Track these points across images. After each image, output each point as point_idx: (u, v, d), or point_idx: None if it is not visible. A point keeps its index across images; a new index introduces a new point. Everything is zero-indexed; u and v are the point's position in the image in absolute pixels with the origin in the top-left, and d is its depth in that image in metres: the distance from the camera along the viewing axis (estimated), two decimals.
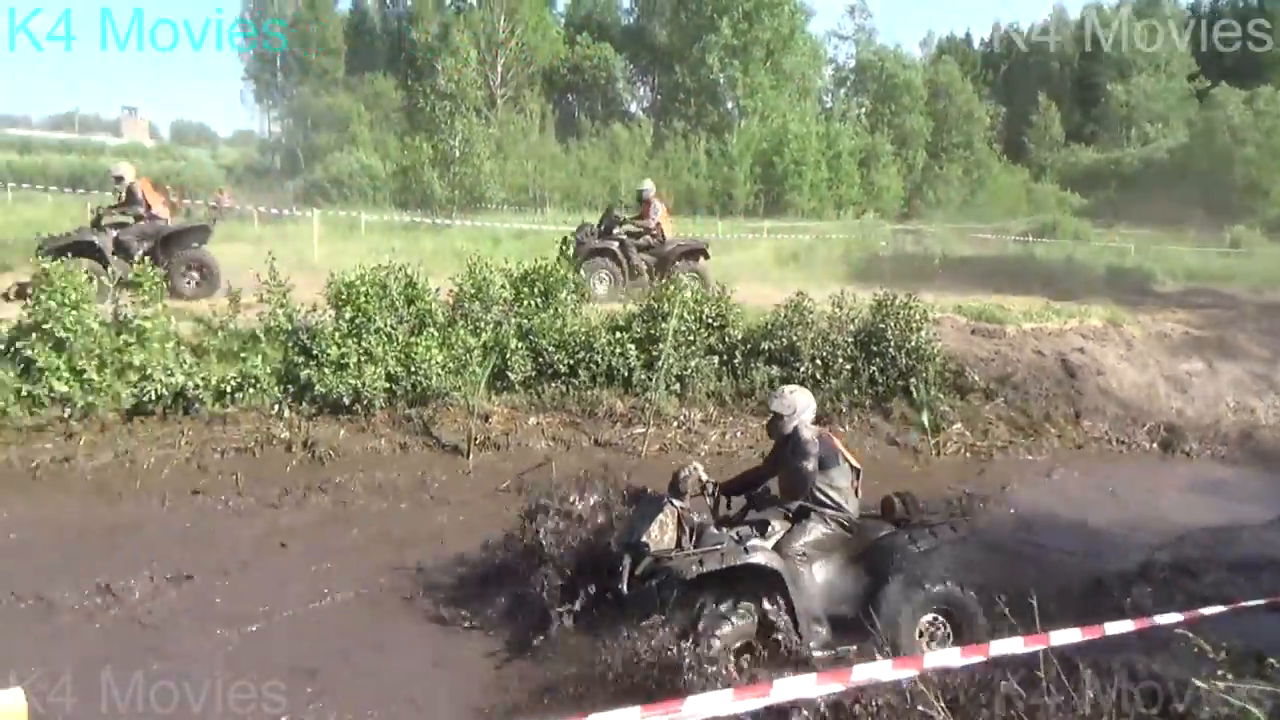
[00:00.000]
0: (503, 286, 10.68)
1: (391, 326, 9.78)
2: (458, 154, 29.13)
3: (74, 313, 8.70)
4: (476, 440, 9.29)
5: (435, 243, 18.85)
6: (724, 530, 5.37)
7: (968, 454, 10.45)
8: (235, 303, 9.85)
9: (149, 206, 11.84)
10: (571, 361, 10.25)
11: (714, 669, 4.43)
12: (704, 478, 5.61)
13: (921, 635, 5.32)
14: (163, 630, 5.72)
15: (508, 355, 10.03)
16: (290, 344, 9.57)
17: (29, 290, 9.18)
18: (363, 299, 9.68)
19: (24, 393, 8.54)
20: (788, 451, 5.57)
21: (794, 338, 10.71)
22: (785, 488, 5.65)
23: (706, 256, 14.13)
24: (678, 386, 10.39)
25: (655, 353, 10.24)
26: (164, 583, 6.29)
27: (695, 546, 5.18)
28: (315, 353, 9.39)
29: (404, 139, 33.45)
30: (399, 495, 8.28)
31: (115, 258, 11.34)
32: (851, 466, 5.62)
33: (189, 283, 11.87)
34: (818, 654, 4.93)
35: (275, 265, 9.80)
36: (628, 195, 24.87)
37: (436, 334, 9.91)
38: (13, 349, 8.61)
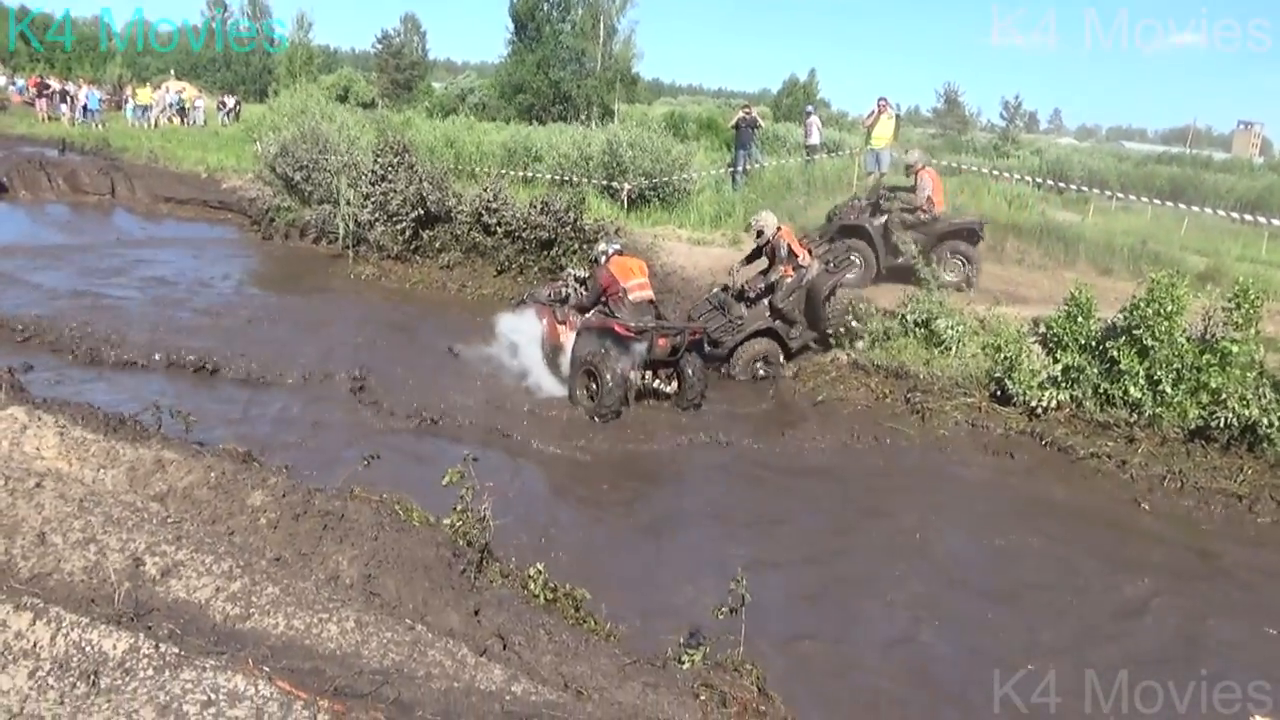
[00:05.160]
0: None
1: None
2: None
3: (1166, 323, 8.83)
4: None
5: None
6: None
7: None
8: None
9: None
10: None
11: None
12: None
13: None
14: None
15: None
16: None
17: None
18: None
19: (1100, 389, 9.10)
20: None
21: None
22: None
23: (980, 238, 12.36)
24: None
25: None
26: None
27: None
28: None
29: None
30: None
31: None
32: None
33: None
34: None
35: None
36: None
37: None
38: (1102, 346, 9.21)
